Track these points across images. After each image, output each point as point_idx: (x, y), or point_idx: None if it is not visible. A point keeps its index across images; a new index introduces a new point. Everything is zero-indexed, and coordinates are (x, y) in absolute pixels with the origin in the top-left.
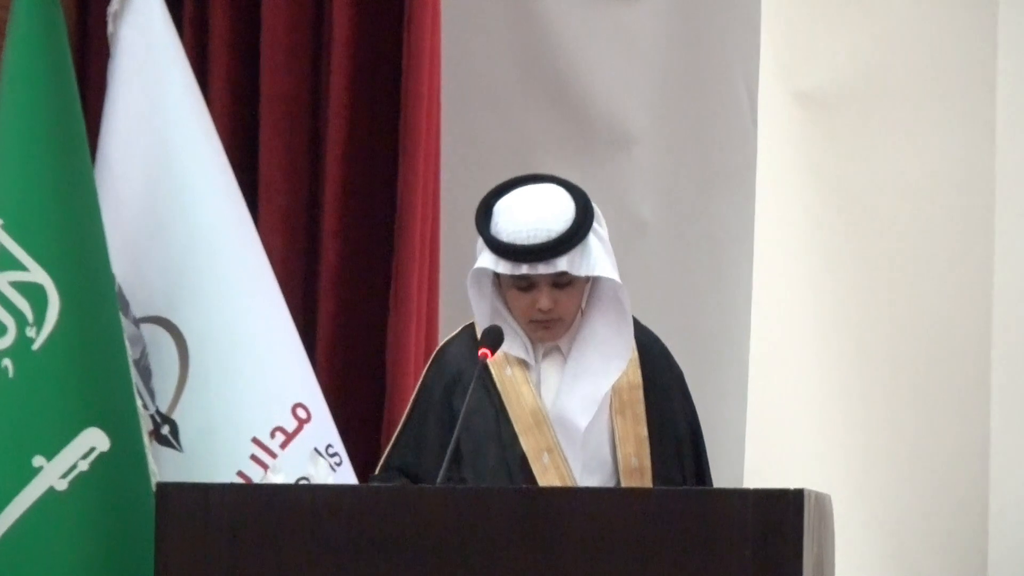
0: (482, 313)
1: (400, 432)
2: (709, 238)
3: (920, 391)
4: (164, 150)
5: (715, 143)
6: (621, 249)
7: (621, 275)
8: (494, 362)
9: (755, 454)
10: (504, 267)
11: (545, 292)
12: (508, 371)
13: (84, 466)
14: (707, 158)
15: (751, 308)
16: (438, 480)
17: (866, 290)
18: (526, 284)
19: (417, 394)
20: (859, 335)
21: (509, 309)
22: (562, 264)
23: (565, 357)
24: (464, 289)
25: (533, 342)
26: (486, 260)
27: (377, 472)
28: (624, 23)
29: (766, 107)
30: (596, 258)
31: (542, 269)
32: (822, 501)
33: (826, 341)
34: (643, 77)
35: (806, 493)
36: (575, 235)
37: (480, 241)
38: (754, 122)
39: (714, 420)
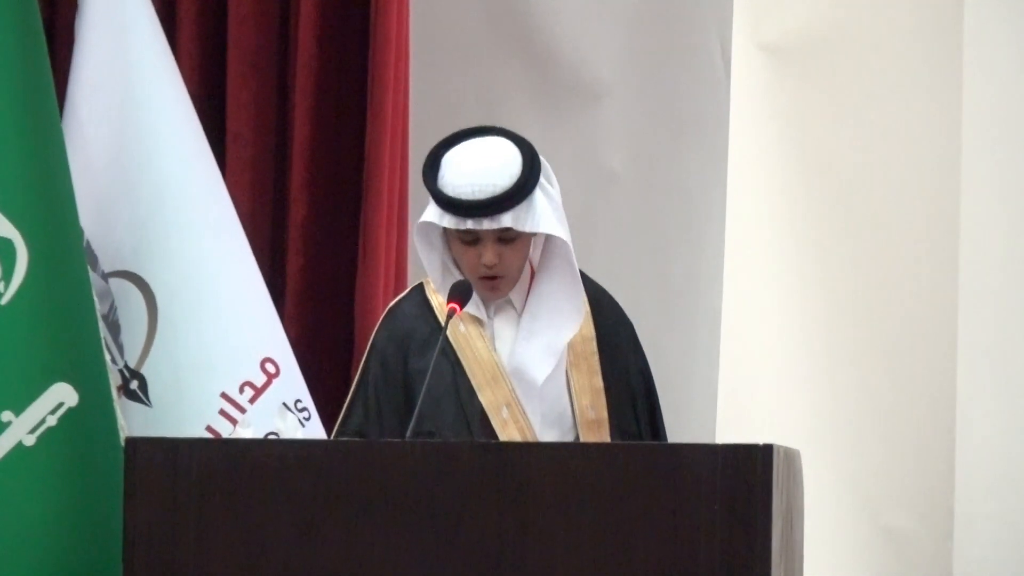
0: (433, 266)
1: (353, 396)
2: (680, 189)
3: (889, 345)
4: (132, 103)
5: (686, 94)
6: (591, 201)
7: (592, 227)
8: (457, 319)
9: (727, 408)
10: (449, 221)
11: (490, 247)
12: (462, 327)
13: (52, 421)
14: (678, 109)
15: (723, 260)
16: (406, 436)
17: (838, 240)
18: (471, 238)
19: (368, 356)
20: (831, 287)
21: (457, 263)
22: (506, 220)
23: (519, 312)
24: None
25: (484, 300)
26: (431, 214)
27: (334, 437)
28: None
29: (738, 58)
30: (541, 214)
31: (487, 224)
32: (791, 456)
33: (798, 292)
34: (613, 27)
35: (775, 448)
36: (520, 190)
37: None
38: (727, 73)
39: (686, 372)
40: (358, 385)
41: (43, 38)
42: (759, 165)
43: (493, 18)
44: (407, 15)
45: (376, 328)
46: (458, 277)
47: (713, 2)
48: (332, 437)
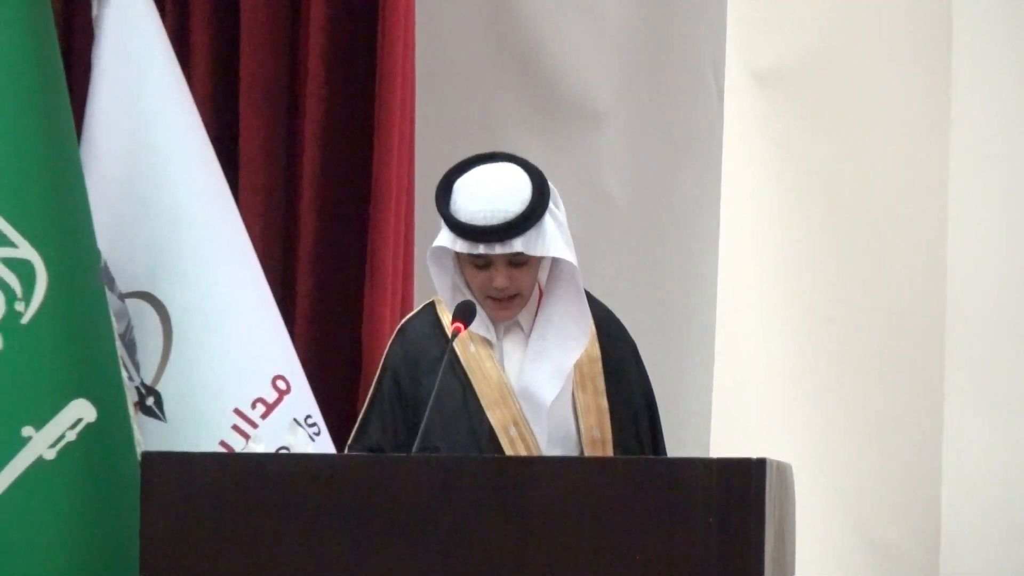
0: (444, 287)
1: (367, 410)
2: (676, 213)
3: (878, 362)
4: (147, 130)
5: (681, 120)
6: (589, 224)
7: (590, 249)
8: (458, 341)
9: (720, 424)
10: (462, 246)
11: (501, 270)
12: (472, 348)
13: (72, 436)
14: (674, 135)
15: (717, 281)
16: (413, 451)
17: (829, 263)
18: (483, 262)
19: (381, 373)
20: (823, 308)
21: (468, 285)
22: (517, 245)
23: (527, 334)
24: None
25: (493, 321)
26: (444, 239)
27: (349, 450)
28: (592, 2)
29: (731, 84)
30: (551, 239)
31: (498, 249)
32: (783, 470)
33: (791, 313)
34: (611, 55)
35: (768, 462)
36: (531, 217)
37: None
38: (720, 99)
39: (681, 391)
40: (372, 399)
41: (61, 67)
42: (752, 189)
43: (495, 46)
44: (412, 44)
45: (389, 345)
46: (467, 298)
47: (707, 31)
48: (347, 450)
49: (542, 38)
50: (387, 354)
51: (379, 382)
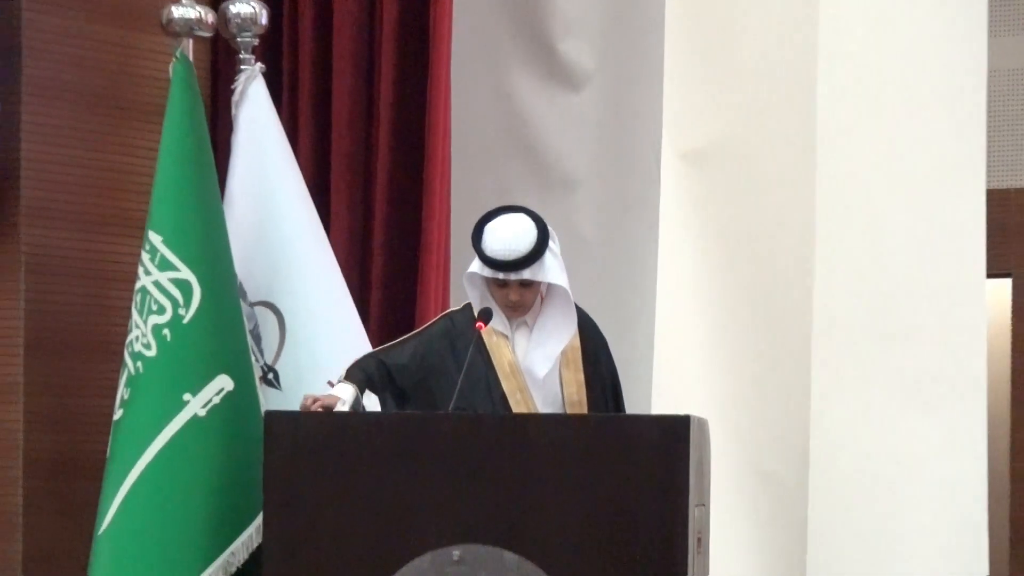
0: (475, 298)
1: (411, 336)
2: (629, 249)
3: (765, 348)
4: (268, 190)
5: (632, 186)
6: (569, 257)
7: (571, 275)
8: (484, 332)
9: (659, 391)
10: (488, 273)
11: (514, 289)
12: (493, 338)
13: (217, 400)
14: (626, 196)
15: (656, 296)
16: (450, 408)
17: (732, 279)
18: (502, 283)
19: (431, 325)
20: (728, 311)
21: (492, 296)
22: (526, 274)
23: (530, 330)
24: (462, 282)
25: (508, 320)
26: (476, 267)
27: (365, 356)
28: (573, 104)
29: (665, 160)
30: (549, 269)
31: (512, 276)
32: (702, 423)
33: (705, 315)
34: (586, 140)
35: (691, 418)
36: (535, 254)
37: (475, 254)
38: (658, 171)
39: (631, 368)
40: (419, 333)
41: (211, 149)
42: (681, 237)
43: (507, 134)
44: (449, 134)
45: (439, 317)
46: (491, 304)
47: (649, 120)
48: (379, 352)
49: (538, 127)
50: (437, 320)
51: (429, 328)
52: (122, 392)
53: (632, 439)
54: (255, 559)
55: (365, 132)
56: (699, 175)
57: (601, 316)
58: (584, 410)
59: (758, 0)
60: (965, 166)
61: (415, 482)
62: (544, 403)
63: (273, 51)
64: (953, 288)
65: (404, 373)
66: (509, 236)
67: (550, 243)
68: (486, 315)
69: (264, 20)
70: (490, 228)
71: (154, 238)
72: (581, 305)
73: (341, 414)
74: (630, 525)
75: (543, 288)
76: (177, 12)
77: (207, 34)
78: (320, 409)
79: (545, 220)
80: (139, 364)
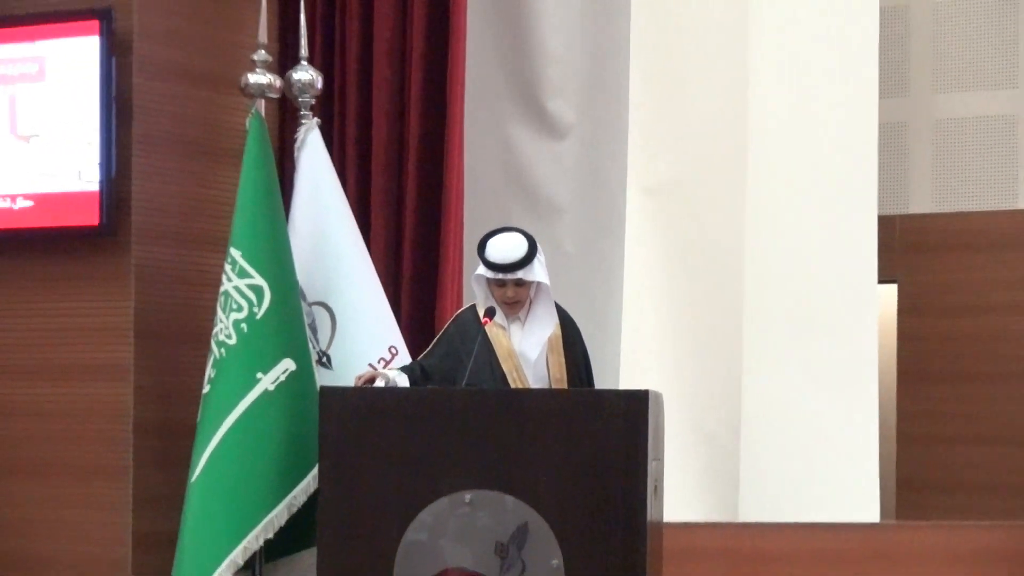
0: (480, 296)
1: (437, 342)
2: (601, 265)
3: (704, 336)
4: (323, 214)
5: (603, 216)
6: (553, 269)
7: (555, 282)
8: (488, 325)
9: (625, 369)
10: (490, 274)
11: (511, 287)
12: (494, 330)
13: (283, 378)
14: (600, 221)
15: (623, 296)
16: (463, 385)
17: (684, 280)
18: (501, 283)
19: (443, 332)
20: (677, 303)
21: (493, 295)
22: (519, 274)
23: (522, 323)
24: (471, 285)
25: (506, 316)
26: (481, 270)
27: (411, 362)
28: (557, 149)
29: (630, 194)
30: (537, 271)
31: (509, 277)
32: (658, 396)
33: (659, 307)
34: (568, 177)
35: (651, 392)
36: (527, 261)
37: (480, 261)
38: (624, 203)
39: (602, 352)
40: (441, 338)
41: (278, 183)
42: (644, 257)
43: (506, 174)
44: (462, 167)
45: (453, 318)
46: (493, 303)
47: (618, 159)
48: (420, 359)
49: (531, 167)
50: (451, 322)
51: (446, 331)
52: (209, 372)
53: (603, 409)
54: (312, 501)
55: (397, 171)
56: (656, 204)
57: (579, 314)
58: (565, 386)
59: (702, 72)
60: (861, 197)
61: (436, 442)
62: (535, 380)
63: (327, 108)
64: (851, 291)
65: (436, 371)
66: (507, 247)
67: (538, 254)
68: (491, 312)
69: (319, 84)
70: (492, 242)
71: (235, 252)
72: (564, 306)
73: (379, 389)
74: (602, 475)
75: (532, 290)
76: (252, 78)
77: (275, 95)
78: (364, 383)
79: (534, 237)
80: (222, 350)
